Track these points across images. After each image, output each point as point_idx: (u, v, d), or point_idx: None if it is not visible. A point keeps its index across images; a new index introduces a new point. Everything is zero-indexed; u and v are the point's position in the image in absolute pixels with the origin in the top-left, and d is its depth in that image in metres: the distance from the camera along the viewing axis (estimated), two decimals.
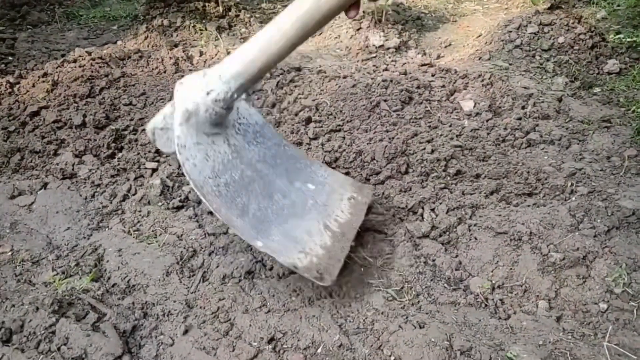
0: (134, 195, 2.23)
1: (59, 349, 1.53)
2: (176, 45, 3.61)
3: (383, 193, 2.18)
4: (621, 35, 3.63)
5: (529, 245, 1.94)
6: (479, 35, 3.80)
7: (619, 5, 4.12)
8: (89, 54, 3.20)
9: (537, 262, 1.88)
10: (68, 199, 2.21)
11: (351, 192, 1.98)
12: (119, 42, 3.78)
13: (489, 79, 3.06)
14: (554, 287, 1.81)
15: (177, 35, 3.83)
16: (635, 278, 1.80)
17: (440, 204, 2.13)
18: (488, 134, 2.63)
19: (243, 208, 1.64)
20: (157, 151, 2.45)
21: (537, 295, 1.79)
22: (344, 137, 2.53)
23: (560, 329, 1.67)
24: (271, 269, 1.88)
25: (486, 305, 1.76)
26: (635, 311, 1.71)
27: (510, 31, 3.61)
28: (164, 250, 1.95)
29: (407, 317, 1.67)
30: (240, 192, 1.66)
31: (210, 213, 2.13)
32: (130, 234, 2.04)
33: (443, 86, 3.04)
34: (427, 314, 1.70)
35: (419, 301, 1.77)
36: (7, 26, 4.03)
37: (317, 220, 1.80)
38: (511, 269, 1.88)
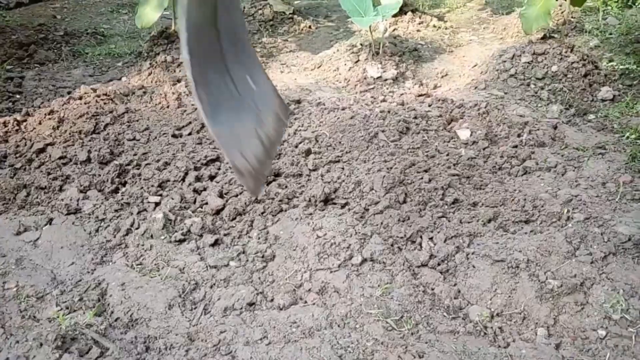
0: (137, 229, 2.27)
1: None
2: (179, 81, 3.70)
3: (382, 222, 2.21)
4: (614, 63, 3.71)
5: (526, 272, 1.96)
6: (475, 65, 3.88)
7: (611, 34, 4.22)
8: (94, 90, 3.29)
9: (535, 290, 1.89)
10: (73, 234, 2.26)
11: (276, 108, 1.82)
12: (124, 79, 3.88)
13: (485, 107, 3.12)
14: (552, 314, 1.82)
15: (179, 71, 3.93)
16: (632, 304, 1.81)
17: (438, 232, 2.16)
18: (485, 162, 2.68)
19: (204, 75, 1.45)
20: (160, 185, 2.50)
21: (536, 323, 1.81)
22: (343, 168, 2.58)
23: (559, 357, 1.68)
24: (272, 300, 1.91)
25: (485, 333, 1.78)
26: (633, 337, 1.72)
27: (505, 61, 3.69)
28: (167, 284, 1.98)
29: (406, 347, 1.68)
30: (208, 59, 1.49)
31: (213, 244, 2.16)
32: (133, 268, 2.08)
33: (440, 116, 3.10)
34: (426, 343, 1.72)
35: (418, 330, 1.78)
36: (15, 65, 4.15)
37: (253, 125, 1.65)
38: (509, 296, 1.90)
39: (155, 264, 2.09)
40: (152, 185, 2.50)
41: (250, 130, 1.63)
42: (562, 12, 4.38)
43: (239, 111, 1.61)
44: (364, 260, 2.04)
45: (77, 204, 2.41)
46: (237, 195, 2.41)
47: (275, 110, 1.81)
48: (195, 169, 2.58)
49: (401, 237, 2.14)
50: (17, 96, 3.62)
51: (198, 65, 1.40)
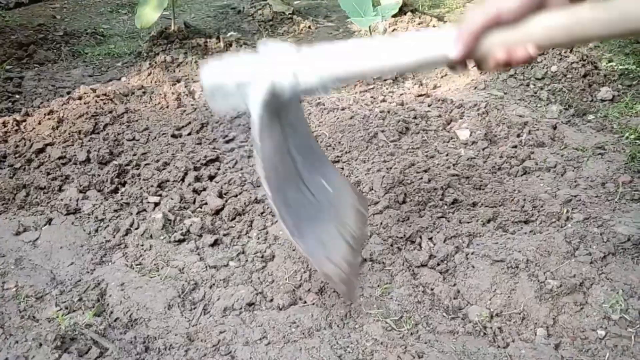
0: (136, 229, 2.27)
1: None
2: (178, 81, 3.70)
3: (381, 223, 2.21)
4: (613, 63, 3.71)
5: (526, 272, 1.97)
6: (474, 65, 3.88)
7: None
8: (94, 90, 3.29)
9: (534, 290, 1.89)
10: (72, 234, 2.25)
11: (354, 202, 1.84)
12: (123, 79, 3.88)
13: (485, 108, 3.12)
14: (551, 314, 1.82)
15: (179, 71, 3.93)
16: (632, 304, 1.81)
17: (438, 232, 2.16)
18: (484, 162, 2.68)
19: (284, 198, 1.46)
20: (160, 185, 2.50)
21: (535, 323, 1.81)
22: (342, 168, 2.58)
23: (558, 357, 1.68)
24: (271, 300, 1.91)
25: (485, 333, 1.78)
26: (633, 337, 1.72)
27: None
28: (166, 284, 1.98)
29: (405, 347, 1.68)
30: (282, 179, 1.49)
31: (212, 244, 2.16)
32: (133, 268, 2.08)
33: (439, 116, 3.10)
34: (425, 343, 1.72)
35: (417, 330, 1.78)
36: (15, 65, 4.15)
37: (335, 227, 1.66)
38: (509, 296, 1.90)
39: (154, 264, 2.09)
40: (152, 186, 2.50)
41: (333, 233, 1.62)
42: None
43: (319, 219, 1.60)
44: (363, 260, 2.04)
45: (77, 204, 2.41)
46: (236, 196, 2.41)
47: (355, 205, 1.80)
48: (195, 169, 2.58)
49: (400, 237, 2.14)
50: (17, 96, 3.62)
51: (278, 192, 1.41)
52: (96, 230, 2.29)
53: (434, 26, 4.73)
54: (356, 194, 1.90)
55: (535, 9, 1.16)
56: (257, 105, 1.36)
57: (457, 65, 1.28)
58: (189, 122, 3.01)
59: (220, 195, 2.42)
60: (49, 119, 2.96)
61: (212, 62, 1.45)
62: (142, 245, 2.19)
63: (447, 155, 2.70)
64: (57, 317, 1.81)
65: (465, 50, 1.20)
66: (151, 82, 3.75)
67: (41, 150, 2.73)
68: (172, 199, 2.39)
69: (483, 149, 2.77)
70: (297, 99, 1.46)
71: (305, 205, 1.58)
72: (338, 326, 1.79)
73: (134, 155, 2.72)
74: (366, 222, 1.84)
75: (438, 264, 2.03)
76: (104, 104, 3.15)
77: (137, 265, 2.10)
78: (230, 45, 4.25)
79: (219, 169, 2.61)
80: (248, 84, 1.39)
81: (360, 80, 3.73)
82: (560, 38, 1.20)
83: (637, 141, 2.85)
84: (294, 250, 2.11)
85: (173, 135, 2.89)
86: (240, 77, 1.40)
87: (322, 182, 1.71)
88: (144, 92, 3.41)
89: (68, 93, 3.50)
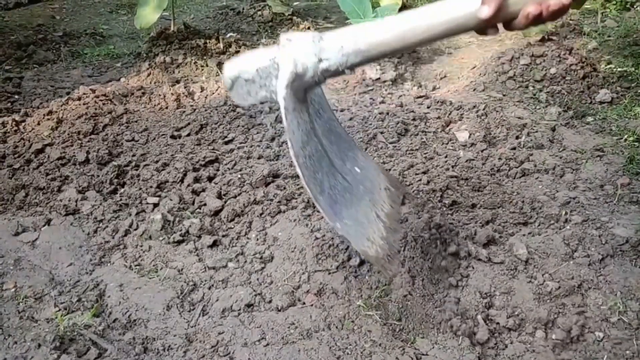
0: (135, 230, 2.27)
1: None
2: (178, 82, 3.70)
3: None
4: (612, 65, 3.72)
5: (524, 274, 1.97)
6: (474, 67, 3.89)
7: (609, 36, 4.23)
8: (93, 91, 3.29)
9: (532, 292, 1.90)
10: (71, 234, 2.26)
11: (385, 182, 1.87)
12: (122, 79, 3.88)
13: (484, 109, 3.13)
14: (550, 315, 1.82)
15: (178, 72, 3.93)
16: (630, 306, 1.82)
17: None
18: (483, 164, 2.68)
19: (321, 184, 1.50)
20: (159, 186, 2.50)
21: (534, 325, 1.81)
22: None
23: (557, 359, 1.69)
24: (270, 301, 1.91)
25: (483, 335, 1.77)
26: (631, 340, 1.73)
27: (504, 63, 3.69)
28: (165, 285, 1.98)
29: (404, 349, 1.69)
30: (316, 166, 1.52)
31: (211, 245, 2.16)
32: (132, 269, 2.08)
33: (438, 117, 3.10)
34: (424, 345, 1.72)
35: (416, 332, 1.78)
36: (14, 65, 4.14)
37: (370, 208, 1.70)
38: (507, 298, 1.90)
39: (153, 265, 2.10)
40: (151, 186, 2.50)
41: (368, 213, 1.65)
42: None
43: (352, 200, 1.63)
44: (362, 262, 2.04)
45: (76, 205, 2.41)
46: (235, 197, 2.41)
47: (384, 185, 1.83)
48: (194, 170, 2.58)
49: (399, 239, 2.14)
50: (16, 96, 3.62)
51: (311, 178, 1.44)
52: (95, 231, 2.29)
53: None
54: (384, 174, 1.92)
55: None
56: (281, 87, 1.36)
57: (486, 26, 1.22)
58: (188, 123, 3.01)
59: (220, 196, 2.43)
60: (48, 119, 2.96)
61: (235, 58, 1.46)
62: (141, 246, 2.19)
63: (446, 157, 2.70)
64: (56, 317, 1.81)
65: (495, 6, 1.14)
66: (150, 82, 3.75)
67: (40, 151, 2.73)
68: (171, 199, 2.39)
69: (482, 151, 2.77)
70: (321, 80, 1.44)
71: (338, 187, 1.59)
72: (337, 327, 1.80)
73: (133, 156, 2.72)
74: (398, 200, 1.85)
75: (436, 266, 2.03)
76: (103, 104, 3.15)
77: (136, 266, 2.10)
78: (230, 46, 4.25)
79: (218, 170, 2.61)
80: (269, 68, 1.40)
81: (359, 82, 3.74)
82: None
83: (636, 143, 2.85)
84: (292, 251, 2.11)
85: (172, 136, 2.90)
86: (260, 62, 1.41)
87: (351, 165, 1.74)
88: (143, 93, 3.41)
89: (67, 93, 3.50)
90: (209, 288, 1.98)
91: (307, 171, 1.42)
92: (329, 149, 1.64)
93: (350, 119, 2.98)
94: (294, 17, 5.16)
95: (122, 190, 2.52)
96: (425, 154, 2.73)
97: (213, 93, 3.43)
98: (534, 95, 3.43)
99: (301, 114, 1.48)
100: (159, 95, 3.34)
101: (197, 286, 1.98)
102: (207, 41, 4.22)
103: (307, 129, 1.51)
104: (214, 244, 2.18)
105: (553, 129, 3.00)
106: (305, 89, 1.47)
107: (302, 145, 1.45)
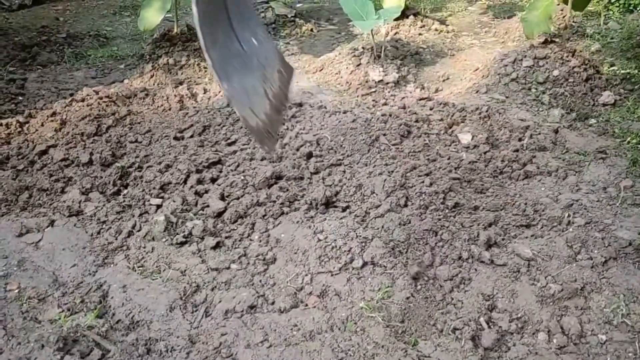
0: (138, 231, 2.27)
1: None
2: (181, 83, 3.71)
3: (382, 226, 2.21)
4: (615, 67, 3.71)
5: (527, 276, 1.97)
6: (476, 69, 3.88)
7: (612, 38, 4.22)
8: (97, 93, 3.30)
9: (535, 294, 1.90)
10: (74, 236, 2.26)
11: (279, 65, 1.89)
12: (126, 81, 3.89)
13: (486, 111, 3.13)
14: (553, 318, 1.82)
15: (182, 73, 3.94)
16: (633, 309, 1.82)
17: (439, 236, 2.16)
18: (486, 166, 2.68)
19: (214, 36, 1.52)
20: (162, 187, 2.51)
21: (537, 327, 1.81)
22: (344, 171, 2.59)
23: None
24: (273, 303, 1.91)
25: (486, 337, 1.77)
26: (634, 342, 1.72)
27: (506, 65, 3.69)
28: (168, 286, 1.98)
29: (406, 351, 1.68)
30: (212, 20, 1.54)
31: (214, 247, 2.17)
32: (135, 270, 2.08)
33: (441, 119, 3.10)
34: (426, 347, 1.72)
35: (418, 334, 1.78)
36: (18, 67, 4.16)
37: (260, 82, 1.73)
38: (510, 300, 1.90)
39: (156, 266, 2.10)
40: (154, 188, 2.50)
41: (257, 87, 1.68)
42: (563, 17, 4.38)
43: (246, 69, 1.66)
44: (365, 264, 2.04)
45: (79, 206, 2.42)
46: (238, 198, 2.41)
47: (279, 68, 1.85)
48: (197, 171, 2.58)
49: (402, 241, 2.15)
50: (20, 98, 3.63)
51: (207, 28, 1.46)
52: (98, 232, 2.29)
53: (436, 30, 4.74)
54: (280, 57, 1.95)
55: None
56: None
57: None
58: (191, 125, 3.01)
59: (222, 198, 2.43)
60: (52, 120, 2.97)
61: None
62: (144, 248, 2.19)
63: (448, 158, 2.70)
64: (60, 318, 1.82)
65: None
66: (154, 84, 3.76)
67: (44, 152, 2.74)
68: (174, 201, 2.40)
69: (485, 153, 2.77)
70: None
71: (232, 50, 1.63)
72: (339, 329, 1.80)
73: (137, 157, 2.72)
74: (288, 85, 1.88)
75: (439, 268, 2.03)
76: (107, 106, 3.16)
77: (139, 267, 2.10)
78: None
79: (221, 171, 2.62)
80: None
81: (362, 84, 3.74)
82: None
83: (639, 145, 2.85)
84: (295, 253, 2.11)
85: (175, 138, 2.90)
86: None
87: (250, 35, 1.76)
88: (146, 94, 3.42)
89: (71, 95, 3.51)
90: (212, 289, 1.98)
91: (202, 16, 1.44)
92: (232, 10, 1.66)
93: (353, 120, 2.98)
94: (297, 19, 5.17)
95: (125, 191, 2.53)
96: (428, 155, 2.73)
97: (216, 95, 3.44)
98: (537, 97, 3.42)
99: None
100: (162, 96, 3.35)
101: (200, 287, 1.99)
102: None
103: None
104: (217, 246, 2.18)
105: (556, 131, 3.00)
106: None
107: None
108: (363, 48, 4.06)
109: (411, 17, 4.81)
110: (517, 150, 2.81)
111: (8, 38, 4.50)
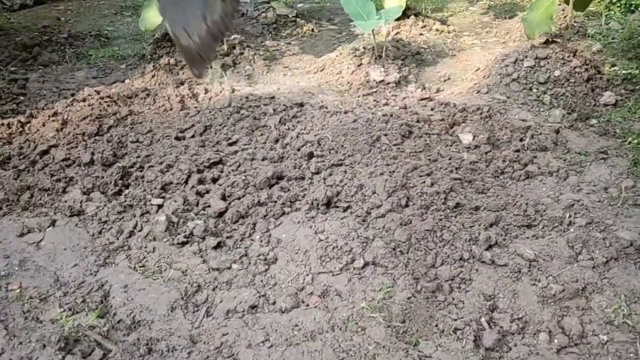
0: (139, 231, 2.28)
1: None
2: (182, 83, 3.71)
3: (384, 226, 2.22)
4: (616, 68, 3.71)
5: (528, 277, 1.97)
6: (477, 69, 3.88)
7: (613, 39, 4.22)
8: (98, 93, 3.30)
9: (536, 294, 1.90)
10: (76, 235, 2.26)
11: None
12: (127, 81, 3.90)
13: (488, 112, 3.13)
14: (554, 318, 1.82)
15: (183, 74, 3.94)
16: (634, 309, 1.82)
17: (440, 236, 2.16)
18: (487, 166, 2.68)
19: None
20: (163, 187, 2.51)
21: (538, 328, 1.81)
22: (345, 171, 2.59)
23: None
24: (274, 303, 1.91)
25: (487, 337, 1.77)
26: (635, 343, 1.72)
27: (508, 65, 3.69)
28: (169, 286, 1.98)
29: (407, 351, 1.69)
30: None
31: (215, 247, 2.17)
32: (136, 270, 2.08)
33: (442, 120, 3.10)
34: (428, 347, 1.72)
35: (419, 334, 1.78)
36: (19, 67, 4.16)
37: (200, 6, 1.74)
38: (511, 300, 1.90)
39: (157, 266, 2.10)
40: (155, 188, 2.51)
41: (196, 11, 1.69)
42: (564, 17, 4.38)
43: None
44: (366, 264, 2.04)
45: (81, 206, 2.42)
46: (239, 198, 2.42)
47: None
48: (198, 171, 2.59)
49: (403, 241, 2.15)
50: (21, 98, 3.63)
51: None
52: (100, 232, 2.29)
53: (437, 30, 4.74)
54: None
55: None
56: None
57: None
58: (193, 125, 3.02)
59: (224, 198, 2.43)
60: (53, 120, 2.97)
61: None
62: (146, 248, 2.19)
63: (449, 159, 2.70)
64: (61, 318, 1.82)
65: None
66: (155, 84, 3.76)
67: (45, 152, 2.74)
68: (175, 201, 2.40)
69: (486, 153, 2.77)
70: None
71: None
72: (340, 329, 1.80)
73: (138, 157, 2.73)
74: (229, 17, 1.90)
75: (440, 268, 2.03)
76: (108, 106, 3.16)
77: (140, 267, 2.10)
78: (234, 47, 4.26)
79: (222, 171, 2.62)
80: None
81: (363, 84, 3.74)
82: None
83: None
84: (296, 253, 2.11)
85: (176, 138, 2.91)
86: None
87: None
88: (147, 95, 3.42)
89: (72, 95, 3.51)
90: (213, 289, 1.98)
91: None
92: None
93: (354, 120, 2.98)
94: (298, 19, 5.17)
95: (126, 191, 2.53)
96: (429, 156, 2.73)
97: (217, 95, 3.44)
98: (538, 97, 3.42)
99: None
100: (163, 96, 3.36)
101: (201, 287, 1.99)
102: None
103: None
104: (218, 246, 2.19)
105: (557, 132, 2.99)
106: None
107: None
108: (364, 48, 4.06)
109: (412, 17, 4.81)
110: (518, 151, 2.81)
111: (9, 38, 4.51)
